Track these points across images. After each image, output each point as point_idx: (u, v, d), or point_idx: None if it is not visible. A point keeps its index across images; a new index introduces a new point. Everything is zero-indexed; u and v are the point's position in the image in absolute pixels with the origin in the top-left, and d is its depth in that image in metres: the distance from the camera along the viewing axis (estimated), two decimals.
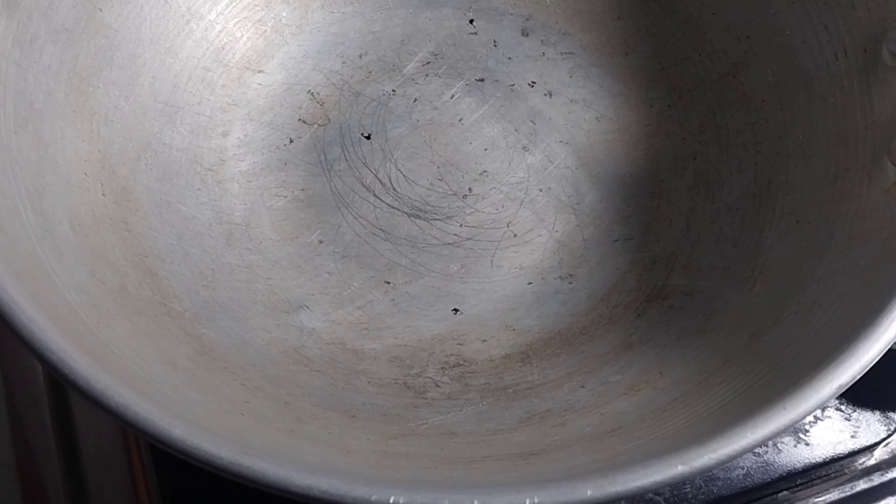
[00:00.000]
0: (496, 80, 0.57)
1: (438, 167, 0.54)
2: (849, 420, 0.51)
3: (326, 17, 0.57)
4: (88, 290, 0.39)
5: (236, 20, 0.54)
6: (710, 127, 0.53)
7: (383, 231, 0.52)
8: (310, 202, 0.53)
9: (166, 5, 0.50)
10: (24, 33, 0.41)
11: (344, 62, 0.56)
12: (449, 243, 0.52)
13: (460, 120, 0.56)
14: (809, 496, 0.49)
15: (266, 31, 0.55)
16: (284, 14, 0.56)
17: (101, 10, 0.46)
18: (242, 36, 0.54)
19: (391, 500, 0.30)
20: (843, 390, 0.33)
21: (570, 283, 0.51)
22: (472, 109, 0.56)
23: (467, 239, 0.52)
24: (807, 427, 0.50)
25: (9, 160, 0.38)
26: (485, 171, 0.54)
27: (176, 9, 0.51)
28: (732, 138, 0.52)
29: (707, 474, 0.48)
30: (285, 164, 0.53)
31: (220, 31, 0.53)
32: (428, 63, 0.57)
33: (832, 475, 0.50)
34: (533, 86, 0.57)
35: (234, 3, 0.53)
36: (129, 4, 0.48)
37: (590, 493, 0.30)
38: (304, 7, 0.56)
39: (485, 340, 0.49)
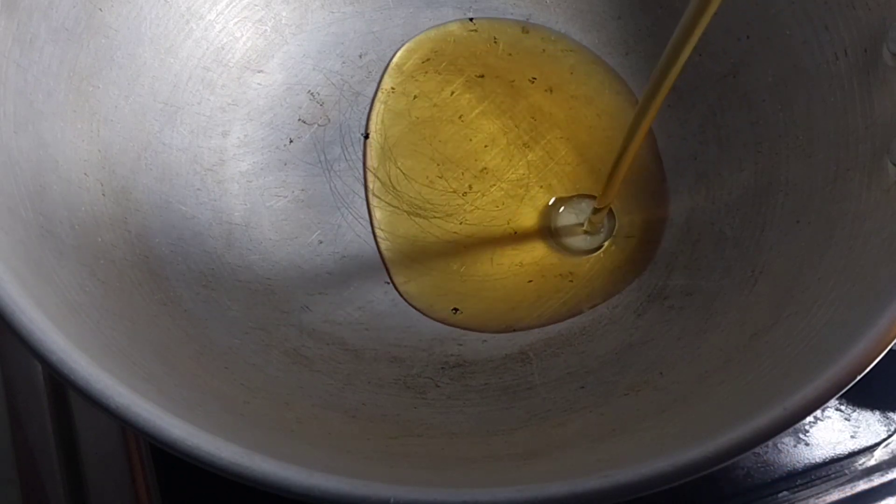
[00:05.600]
0: (496, 76, 0.57)
1: (438, 164, 0.54)
2: (849, 420, 0.51)
3: (326, 17, 0.57)
4: (88, 290, 0.39)
5: (236, 20, 0.54)
6: (710, 127, 0.53)
7: (383, 230, 0.52)
8: (310, 202, 0.53)
9: (166, 5, 0.50)
10: (24, 33, 0.41)
11: (344, 62, 0.56)
12: (449, 241, 0.52)
13: (460, 116, 0.56)
14: (809, 496, 0.49)
15: (266, 31, 0.55)
16: (284, 14, 0.55)
17: (101, 10, 0.46)
18: (242, 36, 0.54)
19: (391, 500, 0.30)
20: (843, 390, 0.33)
21: (571, 281, 0.51)
22: (471, 106, 0.56)
23: (467, 237, 0.52)
24: (807, 427, 0.50)
25: (9, 160, 0.38)
26: (485, 168, 0.54)
27: (176, 9, 0.51)
28: (732, 138, 0.52)
29: (707, 474, 0.48)
30: (285, 164, 0.53)
31: (220, 31, 0.53)
32: (427, 60, 0.57)
33: (832, 475, 0.50)
34: (533, 81, 0.57)
35: (234, 3, 0.53)
36: (129, 4, 0.48)
37: (590, 493, 0.30)
38: (304, 7, 0.56)
39: (485, 340, 0.49)
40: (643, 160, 0.54)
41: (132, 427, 0.31)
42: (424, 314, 0.50)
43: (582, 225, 0.52)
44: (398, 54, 0.57)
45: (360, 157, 0.54)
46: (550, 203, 0.53)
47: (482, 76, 0.57)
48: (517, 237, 0.52)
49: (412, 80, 0.57)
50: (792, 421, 0.32)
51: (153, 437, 0.31)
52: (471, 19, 0.58)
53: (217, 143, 0.52)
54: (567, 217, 0.53)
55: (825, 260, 0.41)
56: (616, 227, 0.52)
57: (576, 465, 0.36)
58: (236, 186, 0.52)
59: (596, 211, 0.51)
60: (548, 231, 0.52)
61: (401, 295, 0.50)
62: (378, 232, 0.52)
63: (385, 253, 0.51)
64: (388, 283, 0.51)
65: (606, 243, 0.52)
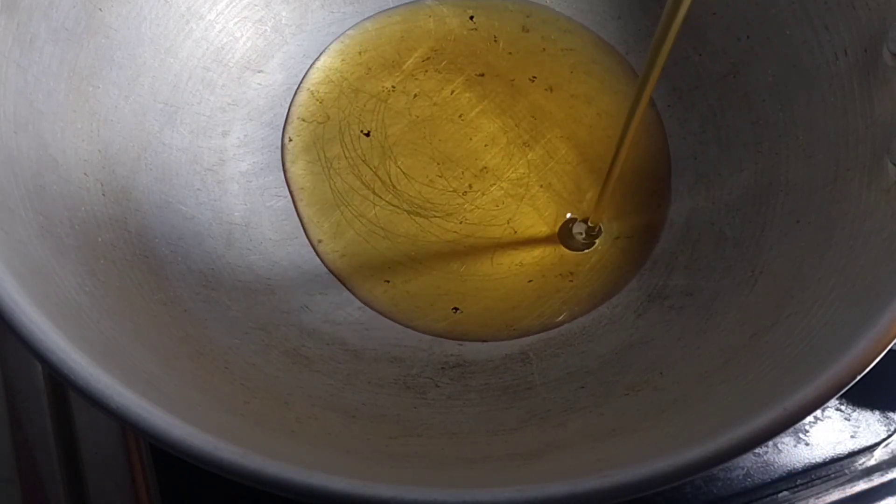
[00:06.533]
0: (497, 75, 0.57)
1: (438, 163, 0.54)
2: (849, 420, 0.51)
3: (326, 16, 0.57)
4: (88, 290, 0.39)
5: (236, 20, 0.54)
6: (710, 127, 0.53)
7: (383, 229, 0.52)
8: (309, 201, 0.53)
9: (166, 5, 0.50)
10: (24, 33, 0.41)
11: (343, 59, 0.56)
12: (449, 241, 0.52)
13: (460, 115, 0.56)
14: (809, 496, 0.49)
15: (266, 31, 0.55)
16: (284, 14, 0.55)
17: (101, 10, 0.46)
18: (242, 36, 0.54)
19: (391, 500, 0.30)
20: (843, 390, 0.33)
21: (571, 280, 0.51)
22: (472, 104, 0.56)
23: (467, 236, 0.52)
24: (807, 427, 0.50)
25: (9, 160, 0.38)
26: (485, 167, 0.54)
27: (176, 9, 0.51)
28: (732, 138, 0.52)
29: (707, 474, 0.48)
30: (285, 164, 0.53)
31: (220, 31, 0.53)
32: (427, 59, 0.57)
33: (832, 475, 0.50)
34: (534, 80, 0.57)
35: (234, 3, 0.53)
36: (129, 4, 0.48)
37: (590, 493, 0.30)
38: (304, 7, 0.56)
39: (485, 340, 0.49)
40: (649, 157, 0.54)
41: (132, 427, 0.31)
42: (424, 314, 0.50)
43: (582, 234, 0.53)
44: (398, 53, 0.57)
45: (360, 154, 0.54)
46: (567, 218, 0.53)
47: (482, 75, 0.57)
48: (517, 236, 0.52)
49: (412, 78, 0.57)
50: (792, 421, 0.32)
51: (153, 437, 0.31)
52: (471, 17, 0.58)
53: (217, 143, 0.52)
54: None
55: (825, 260, 0.41)
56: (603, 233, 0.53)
57: (576, 465, 0.36)
58: (236, 186, 0.52)
59: (590, 229, 0.52)
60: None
61: (400, 294, 0.50)
62: (378, 231, 0.52)
63: (385, 252, 0.51)
64: (388, 281, 0.51)
65: (598, 241, 0.52)
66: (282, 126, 0.54)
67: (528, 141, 0.55)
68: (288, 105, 0.55)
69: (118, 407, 0.31)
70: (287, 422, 0.40)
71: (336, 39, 0.57)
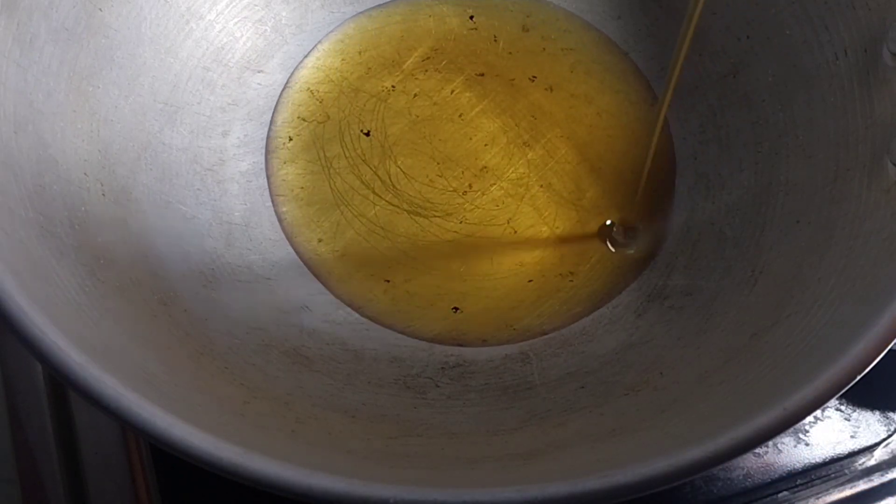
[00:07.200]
0: (497, 75, 0.57)
1: (438, 163, 0.54)
2: (849, 420, 0.51)
3: (326, 16, 0.57)
4: (88, 290, 0.38)
5: (236, 20, 0.54)
6: (710, 127, 0.53)
7: (383, 229, 0.52)
8: (309, 201, 0.53)
9: (166, 5, 0.50)
10: (24, 33, 0.41)
11: (343, 59, 0.56)
12: (449, 241, 0.52)
13: (460, 115, 0.56)
14: (809, 496, 0.49)
15: (266, 31, 0.55)
16: (284, 14, 0.55)
17: (101, 9, 0.46)
18: (242, 36, 0.54)
19: (391, 500, 0.30)
20: (843, 390, 0.33)
21: (571, 280, 0.51)
22: (472, 104, 0.56)
23: (467, 236, 0.52)
24: (807, 427, 0.50)
25: (9, 160, 0.38)
26: (485, 167, 0.54)
27: (176, 9, 0.51)
28: (732, 138, 0.52)
29: (707, 475, 0.48)
30: (284, 163, 0.53)
31: (220, 31, 0.53)
32: (427, 58, 0.57)
33: (832, 475, 0.50)
34: (534, 80, 0.57)
35: (234, 3, 0.53)
36: (129, 4, 0.48)
37: (590, 493, 0.30)
38: (304, 7, 0.56)
39: (485, 340, 0.49)
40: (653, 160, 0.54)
41: (132, 427, 0.31)
42: (424, 313, 0.50)
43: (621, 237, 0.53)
44: (398, 53, 0.57)
45: (360, 153, 0.54)
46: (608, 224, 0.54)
47: (482, 75, 0.57)
48: (517, 236, 0.52)
49: (412, 78, 0.56)
50: (792, 421, 0.32)
51: (153, 437, 0.31)
52: (471, 17, 0.58)
53: (217, 143, 0.52)
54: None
55: (825, 260, 0.41)
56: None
57: (576, 465, 0.36)
58: (236, 186, 0.52)
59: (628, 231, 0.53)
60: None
61: (401, 294, 0.50)
62: (378, 230, 0.52)
63: (385, 251, 0.51)
64: (388, 281, 0.51)
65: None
66: (281, 125, 0.54)
67: (528, 141, 0.55)
68: (287, 104, 0.55)
69: (118, 407, 0.31)
70: (287, 422, 0.40)
71: (336, 39, 0.57)
